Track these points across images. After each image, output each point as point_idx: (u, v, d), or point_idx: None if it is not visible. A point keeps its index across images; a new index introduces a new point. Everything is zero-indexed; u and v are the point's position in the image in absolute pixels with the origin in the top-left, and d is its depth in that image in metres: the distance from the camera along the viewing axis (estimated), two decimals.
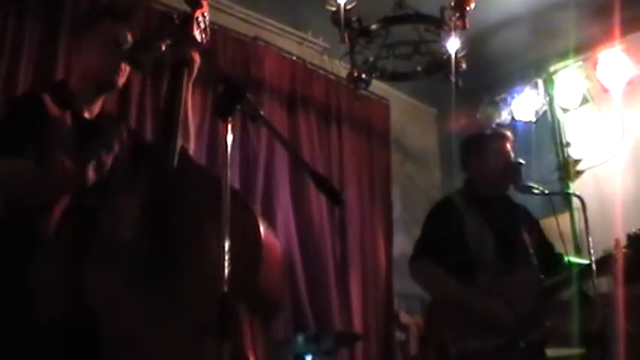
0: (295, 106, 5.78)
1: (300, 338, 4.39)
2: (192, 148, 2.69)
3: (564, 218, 5.52)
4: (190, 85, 2.59)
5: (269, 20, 5.86)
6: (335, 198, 2.00)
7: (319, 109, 6.00)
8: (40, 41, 4.28)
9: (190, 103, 2.67)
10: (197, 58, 2.57)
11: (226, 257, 1.72)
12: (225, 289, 1.70)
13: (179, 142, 2.37)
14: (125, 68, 2.68)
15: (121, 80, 2.71)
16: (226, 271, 1.71)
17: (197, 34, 2.49)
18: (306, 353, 4.39)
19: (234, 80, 1.93)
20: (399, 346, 6.00)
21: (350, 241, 5.82)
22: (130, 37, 2.69)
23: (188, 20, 2.48)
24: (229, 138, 1.85)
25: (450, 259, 3.72)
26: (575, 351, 4.25)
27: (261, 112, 2.01)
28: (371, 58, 4.51)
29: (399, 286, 6.08)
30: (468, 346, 3.53)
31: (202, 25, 2.55)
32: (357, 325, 5.60)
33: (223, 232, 1.73)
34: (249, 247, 2.09)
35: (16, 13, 4.19)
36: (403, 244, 6.22)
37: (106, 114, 2.81)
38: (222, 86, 1.92)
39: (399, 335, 6.03)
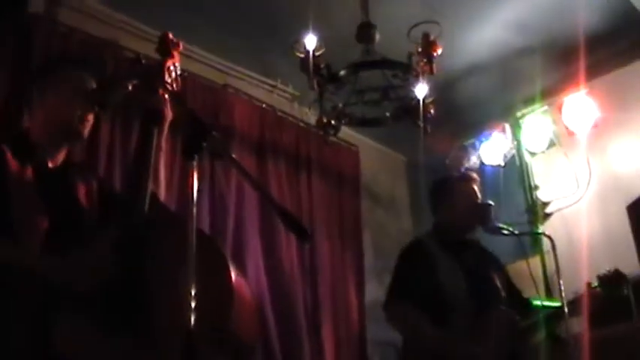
0: (265, 153, 5.77)
1: None
2: (162, 194, 2.67)
3: (535, 261, 5.53)
4: (163, 135, 2.59)
5: (239, 68, 5.88)
6: (302, 234, 1.99)
7: (289, 157, 6.00)
8: (8, 90, 4.25)
9: (163, 151, 2.66)
10: (169, 111, 2.58)
11: (192, 299, 1.70)
12: (193, 330, 1.68)
13: (149, 189, 2.36)
14: (91, 118, 2.67)
15: (87, 130, 2.69)
16: (193, 313, 1.69)
17: (168, 82, 2.50)
18: None
19: (200, 118, 1.92)
20: None
21: (321, 288, 5.77)
22: (90, 84, 2.68)
23: (160, 68, 2.49)
24: (195, 177, 1.84)
25: (423, 302, 3.71)
26: None
27: (228, 150, 2.01)
28: (340, 104, 4.53)
29: (372, 333, 6.03)
30: None
31: (173, 75, 2.56)
32: None
33: (189, 274, 1.71)
34: (219, 291, 2.07)
35: None
36: (375, 290, 6.19)
37: (73, 163, 2.78)
38: (189, 124, 1.92)
39: None
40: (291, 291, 5.47)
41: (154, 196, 2.42)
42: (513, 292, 4.11)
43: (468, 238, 4.12)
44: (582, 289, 3.90)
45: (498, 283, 4.01)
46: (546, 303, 4.20)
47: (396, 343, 4.26)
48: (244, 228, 5.28)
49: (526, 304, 4.09)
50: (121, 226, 2.26)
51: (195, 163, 1.86)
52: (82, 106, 2.61)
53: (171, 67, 2.58)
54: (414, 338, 3.86)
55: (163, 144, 2.62)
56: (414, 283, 3.81)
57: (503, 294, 3.98)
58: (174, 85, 2.60)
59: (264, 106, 5.91)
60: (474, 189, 4.09)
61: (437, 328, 3.68)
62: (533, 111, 6.34)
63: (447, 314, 3.73)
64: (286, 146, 5.99)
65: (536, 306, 4.10)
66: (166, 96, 2.51)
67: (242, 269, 5.02)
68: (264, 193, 2.37)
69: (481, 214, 4.00)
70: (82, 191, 2.62)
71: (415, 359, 3.79)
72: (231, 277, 2.19)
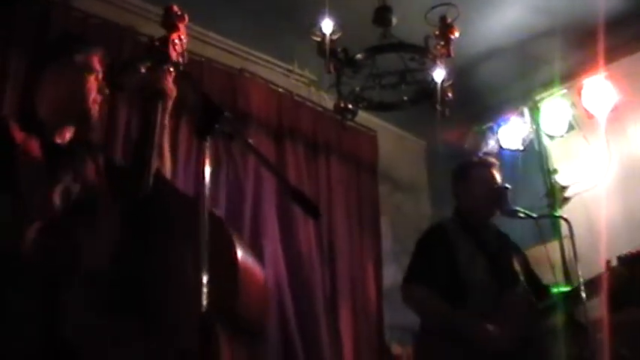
0: (282, 138, 5.78)
1: None
2: (168, 172, 2.65)
3: (553, 246, 5.52)
4: (167, 112, 2.56)
5: (256, 52, 5.89)
6: (313, 212, 1.99)
7: (307, 141, 6.00)
8: (26, 77, 4.26)
9: (167, 132, 2.64)
10: (173, 89, 2.55)
11: (205, 280, 1.70)
12: (204, 311, 1.68)
13: (154, 166, 2.34)
14: (98, 96, 2.64)
15: (96, 110, 2.66)
16: (205, 293, 1.69)
17: (174, 56, 2.48)
18: None
19: (212, 99, 1.92)
20: None
21: (339, 273, 5.79)
22: (99, 65, 2.65)
23: (165, 42, 2.47)
24: (207, 159, 1.84)
25: (441, 284, 3.72)
26: None
27: (241, 131, 2.01)
28: (357, 89, 4.52)
29: (389, 318, 6.04)
30: None
31: (179, 49, 2.55)
32: (348, 357, 5.55)
33: (202, 256, 1.71)
34: (225, 269, 2.07)
35: (1, 42, 4.19)
36: (393, 275, 6.19)
37: (82, 140, 2.76)
38: (200, 105, 1.91)
39: None
40: (309, 275, 5.48)
41: (159, 173, 2.40)
42: (533, 278, 4.12)
43: (489, 222, 4.13)
44: (600, 271, 3.89)
45: (517, 268, 4.02)
46: (565, 289, 4.19)
47: (414, 327, 4.27)
48: (262, 212, 5.29)
49: (545, 290, 4.09)
50: (127, 202, 2.25)
51: (207, 145, 1.85)
52: (89, 85, 2.59)
53: (177, 41, 2.55)
54: (427, 317, 3.86)
55: (167, 121, 2.60)
56: (433, 264, 3.83)
57: (521, 278, 3.98)
58: (181, 59, 2.57)
59: (281, 90, 5.91)
60: (491, 174, 4.08)
61: (450, 307, 3.69)
62: (552, 94, 6.30)
63: (466, 296, 3.74)
64: (304, 131, 5.99)
65: (555, 293, 4.09)
66: (171, 71, 2.49)
67: (260, 255, 5.04)
68: (274, 171, 2.34)
69: (498, 198, 3.99)
70: (90, 167, 2.60)
71: (431, 341, 3.78)
72: (237, 255, 2.18)
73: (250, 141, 2.38)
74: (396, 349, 6.03)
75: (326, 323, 5.46)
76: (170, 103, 2.56)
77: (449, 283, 3.75)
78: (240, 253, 2.21)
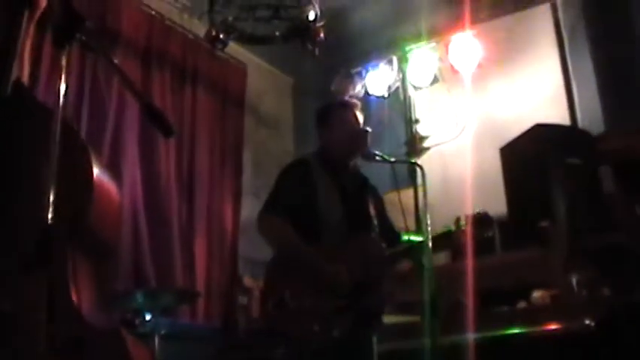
0: (150, 62, 5.65)
1: (138, 293, 4.30)
2: (26, 81, 2.56)
3: (408, 193, 5.68)
4: (33, 20, 2.46)
5: None
6: (166, 129, 1.97)
7: (174, 68, 5.89)
8: None
9: (29, 42, 2.54)
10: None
11: (52, 191, 1.67)
12: (50, 223, 1.66)
13: (15, 73, 2.26)
14: None
15: None
16: (52, 205, 1.66)
17: None
18: (145, 310, 4.29)
19: (74, 7, 1.86)
20: (242, 308, 6.04)
21: (197, 202, 5.79)
22: None
23: None
24: (64, 67, 1.79)
25: (298, 218, 3.75)
26: (411, 318, 4.42)
27: (106, 49, 1.96)
28: (230, 18, 4.48)
29: (244, 251, 6.11)
30: (305, 303, 3.58)
31: None
32: (200, 285, 5.59)
33: (51, 167, 1.67)
34: (79, 184, 2.03)
35: None
36: (251, 208, 6.24)
37: None
38: (61, 12, 1.85)
39: (241, 298, 6.07)
40: (166, 202, 5.45)
41: (20, 82, 2.31)
42: (385, 223, 4.20)
43: (349, 164, 4.18)
44: (451, 224, 4.02)
45: (372, 211, 4.10)
46: (415, 238, 4.31)
47: (267, 260, 4.31)
48: (123, 135, 5.19)
49: (396, 237, 4.19)
50: None
51: (64, 53, 1.80)
52: None
53: None
54: (280, 248, 3.88)
55: (31, 31, 2.50)
56: (291, 197, 3.84)
57: (375, 222, 4.07)
58: None
59: (153, 13, 5.76)
60: (354, 116, 4.12)
61: (304, 243, 3.73)
62: (421, 46, 6.44)
63: (319, 232, 3.79)
64: (173, 57, 5.88)
65: (405, 240, 4.21)
66: None
67: (118, 178, 4.95)
68: (132, 88, 2.25)
69: (357, 140, 4.04)
70: None
71: (281, 272, 3.83)
72: (92, 173, 2.14)
73: (115, 61, 2.32)
74: (247, 281, 6.11)
75: (180, 251, 5.46)
76: (38, 13, 2.45)
77: (305, 218, 3.78)
78: (96, 171, 2.17)
